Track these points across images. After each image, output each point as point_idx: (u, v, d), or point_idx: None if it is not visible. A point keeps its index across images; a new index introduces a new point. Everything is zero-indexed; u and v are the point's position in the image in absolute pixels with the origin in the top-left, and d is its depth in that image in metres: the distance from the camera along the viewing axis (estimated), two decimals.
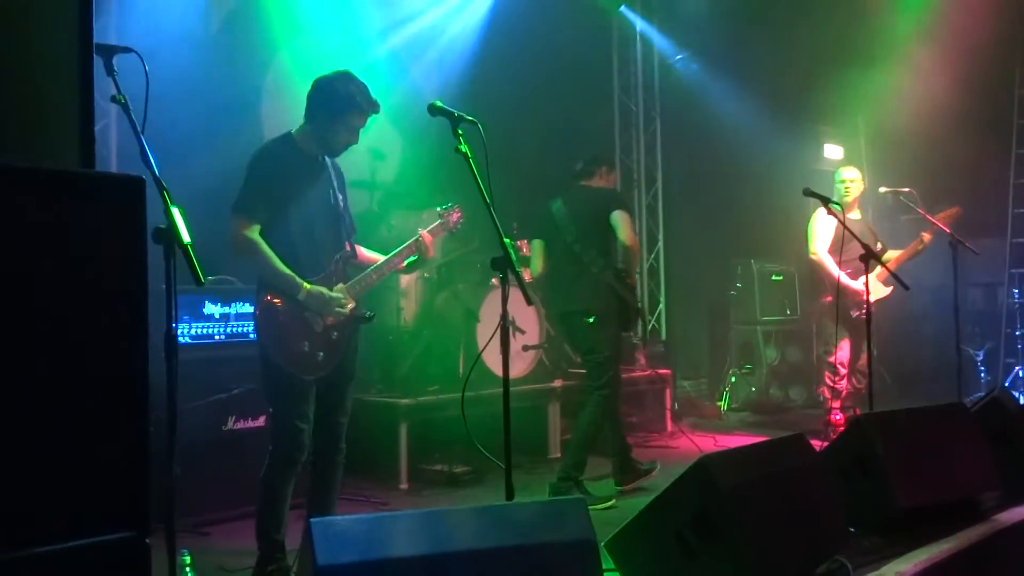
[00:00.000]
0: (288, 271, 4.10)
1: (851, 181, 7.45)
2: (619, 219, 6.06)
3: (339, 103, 4.19)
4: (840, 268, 7.23)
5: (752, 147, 9.43)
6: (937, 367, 8.95)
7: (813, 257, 7.49)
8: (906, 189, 7.68)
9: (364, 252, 4.51)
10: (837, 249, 7.23)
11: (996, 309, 9.43)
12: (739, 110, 9.49)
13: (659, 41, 10.38)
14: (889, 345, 9.44)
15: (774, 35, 9.24)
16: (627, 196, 10.52)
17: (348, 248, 4.37)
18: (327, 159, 4.37)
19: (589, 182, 6.33)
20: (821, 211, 7.44)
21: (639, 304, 6.01)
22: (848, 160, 10.11)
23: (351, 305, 4.26)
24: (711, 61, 9.93)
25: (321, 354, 4.16)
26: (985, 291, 9.76)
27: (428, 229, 4.51)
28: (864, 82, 9.71)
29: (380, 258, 4.45)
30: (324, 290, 4.16)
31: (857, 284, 7.30)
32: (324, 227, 4.29)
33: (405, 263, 4.45)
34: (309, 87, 4.31)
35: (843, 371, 7.50)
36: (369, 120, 4.37)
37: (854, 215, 7.40)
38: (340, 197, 4.38)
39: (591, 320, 5.99)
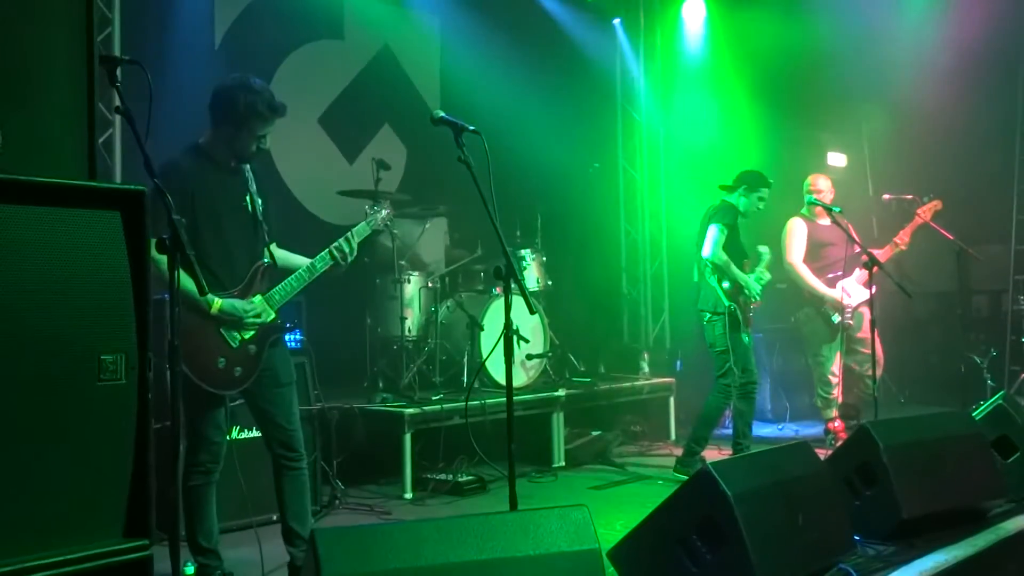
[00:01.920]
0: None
1: (821, 191, 7.53)
2: (707, 233, 6.66)
3: (240, 111, 4.08)
4: (818, 275, 7.47)
5: (755, 155, 9.42)
6: (942, 374, 8.94)
7: (788, 266, 7.53)
8: (909, 196, 7.72)
9: (286, 256, 4.42)
10: (811, 257, 7.30)
11: (1001, 316, 9.40)
12: (743, 119, 9.49)
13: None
14: (894, 352, 9.41)
15: (777, 43, 9.23)
16: (630, 204, 10.53)
17: (268, 256, 4.28)
18: (244, 165, 4.27)
19: (726, 197, 6.81)
20: (794, 220, 7.63)
21: (733, 306, 6.56)
22: (851, 167, 10.11)
23: (270, 316, 4.18)
24: (712, 70, 9.93)
25: (239, 369, 4.08)
26: (990, 298, 9.73)
27: (355, 230, 4.42)
28: (867, 89, 9.71)
29: (302, 260, 4.36)
30: (236, 303, 4.06)
31: (834, 292, 7.41)
32: (241, 236, 4.19)
33: (329, 267, 4.33)
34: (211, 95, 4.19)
35: (834, 380, 7.54)
36: (276, 123, 4.23)
37: (825, 221, 7.42)
38: (259, 202, 4.28)
39: (706, 319, 6.68)
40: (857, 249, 6.91)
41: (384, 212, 4.61)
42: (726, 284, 6.60)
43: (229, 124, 4.12)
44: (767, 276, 6.70)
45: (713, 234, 6.60)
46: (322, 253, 4.33)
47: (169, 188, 3.87)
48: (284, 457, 4.27)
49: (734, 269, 6.59)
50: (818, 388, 7.69)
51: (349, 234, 4.38)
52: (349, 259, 4.36)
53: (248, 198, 4.25)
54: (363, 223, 4.52)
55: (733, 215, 6.71)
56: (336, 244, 4.33)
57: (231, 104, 4.09)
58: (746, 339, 6.66)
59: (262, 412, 4.28)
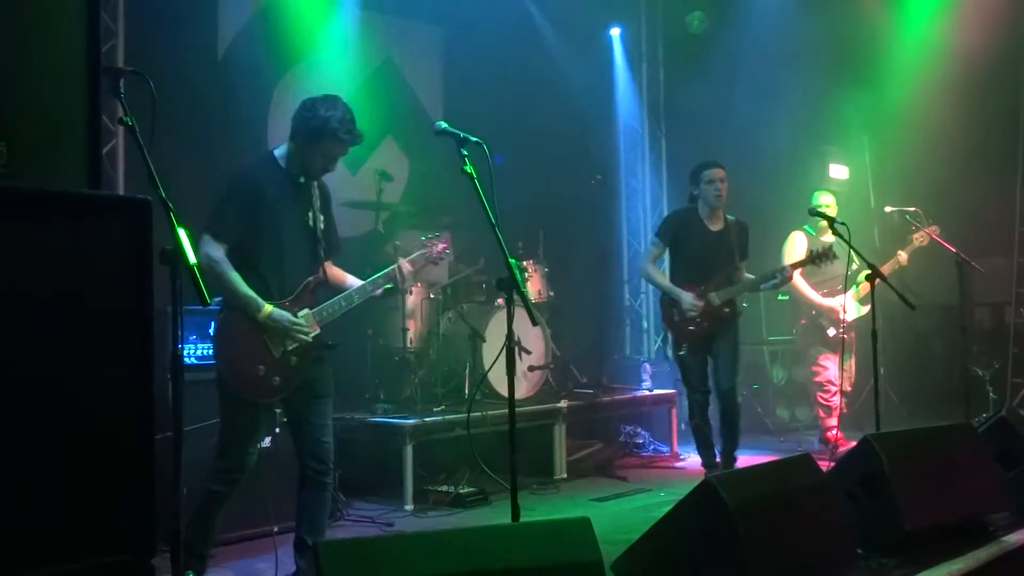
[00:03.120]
0: (250, 292, 4.03)
1: (826, 206, 7.56)
2: None
3: (318, 128, 4.13)
4: (815, 289, 7.67)
5: (757, 167, 9.42)
6: (944, 387, 8.92)
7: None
8: (912, 208, 7.76)
9: (340, 274, 4.45)
10: (810, 271, 7.32)
11: (1003, 329, 9.40)
12: (744, 130, 9.50)
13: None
14: (896, 365, 9.40)
15: (779, 54, 9.25)
16: (632, 217, 10.55)
17: (321, 272, 4.31)
18: (312, 181, 4.33)
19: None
20: (795, 234, 7.81)
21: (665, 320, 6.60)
22: (853, 180, 10.11)
23: (315, 332, 4.20)
24: (715, 81, 9.94)
25: (277, 379, 4.10)
26: (992, 310, 9.72)
27: (409, 259, 4.47)
28: (869, 101, 9.72)
29: (354, 281, 4.40)
30: (286, 314, 4.10)
31: (832, 303, 7.51)
32: (298, 249, 4.24)
33: (381, 291, 4.39)
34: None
35: (833, 388, 7.66)
36: (352, 150, 4.32)
37: (828, 237, 7.44)
38: (320, 219, 4.32)
39: None
40: (856, 266, 6.91)
41: (441, 246, 4.62)
42: (663, 300, 6.57)
43: (304, 137, 4.17)
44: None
45: (645, 247, 6.49)
46: (374, 276, 4.37)
47: (235, 193, 4.05)
48: (313, 469, 4.28)
49: (661, 282, 6.53)
50: (818, 397, 7.82)
51: (403, 262, 4.41)
52: (404, 286, 4.45)
53: (311, 214, 4.28)
54: (418, 253, 4.55)
55: (670, 224, 6.61)
56: (388, 270, 4.38)
57: (309, 118, 4.14)
58: (682, 354, 6.46)
59: (298, 422, 4.30)
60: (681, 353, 6.49)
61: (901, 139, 9.61)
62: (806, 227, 7.75)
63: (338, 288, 4.38)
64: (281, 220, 4.18)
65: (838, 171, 10.16)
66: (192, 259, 2.82)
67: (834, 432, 7.47)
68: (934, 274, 7.67)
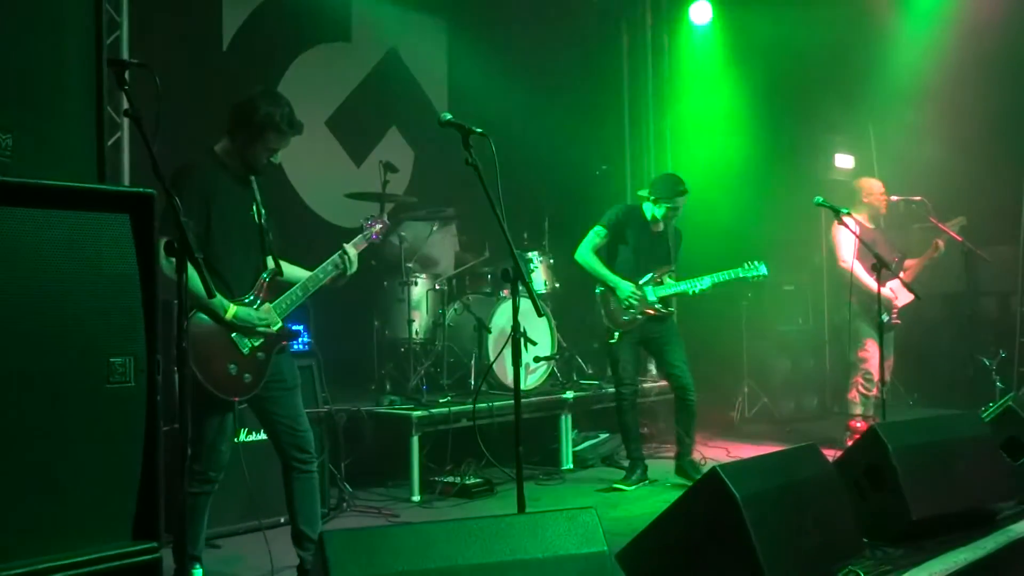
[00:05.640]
0: (214, 295, 4.03)
1: (868, 194, 7.44)
2: None
3: (259, 123, 4.12)
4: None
5: (763, 157, 9.41)
6: (951, 376, 8.91)
7: (843, 265, 7.41)
8: (918, 197, 7.68)
9: (287, 267, 4.44)
10: (862, 257, 7.21)
11: (1009, 318, 9.36)
12: (751, 120, 9.48)
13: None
14: (902, 354, 9.38)
15: (785, 45, 9.22)
16: None
17: (274, 265, 4.31)
18: (253, 176, 4.31)
19: (644, 203, 6.70)
20: (843, 223, 7.45)
21: (601, 312, 6.65)
22: (859, 169, 10.07)
23: (277, 325, 4.22)
24: (720, 72, 9.92)
25: (248, 376, 4.11)
26: (998, 299, 9.69)
27: (352, 243, 4.48)
28: (874, 90, 9.69)
29: (303, 272, 4.42)
30: (250, 311, 4.11)
31: (885, 290, 7.30)
32: (249, 245, 4.24)
33: (331, 279, 4.40)
34: (231, 105, 4.23)
35: (875, 378, 7.48)
36: (292, 140, 4.29)
37: (869, 224, 7.38)
38: (263, 212, 4.32)
39: None
40: (899, 256, 6.85)
41: (378, 226, 4.65)
42: (598, 288, 6.58)
43: (245, 134, 4.15)
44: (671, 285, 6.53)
45: (587, 235, 6.59)
46: (323, 264, 4.39)
47: (185, 192, 3.92)
48: (296, 459, 4.28)
49: (600, 270, 6.51)
50: (862, 382, 7.52)
51: (347, 247, 4.43)
52: (350, 271, 4.42)
53: (255, 207, 4.29)
54: (359, 236, 4.57)
55: (618, 217, 6.58)
56: (335, 256, 4.39)
57: (250, 114, 4.13)
58: (613, 342, 6.53)
59: (272, 417, 4.29)
60: (612, 342, 6.54)
61: (907, 128, 9.57)
62: (844, 211, 7.25)
63: (290, 280, 4.38)
64: (230, 217, 4.16)
65: (844, 160, 10.13)
66: (198, 251, 2.83)
67: (859, 423, 7.37)
68: (941, 263, 7.61)
